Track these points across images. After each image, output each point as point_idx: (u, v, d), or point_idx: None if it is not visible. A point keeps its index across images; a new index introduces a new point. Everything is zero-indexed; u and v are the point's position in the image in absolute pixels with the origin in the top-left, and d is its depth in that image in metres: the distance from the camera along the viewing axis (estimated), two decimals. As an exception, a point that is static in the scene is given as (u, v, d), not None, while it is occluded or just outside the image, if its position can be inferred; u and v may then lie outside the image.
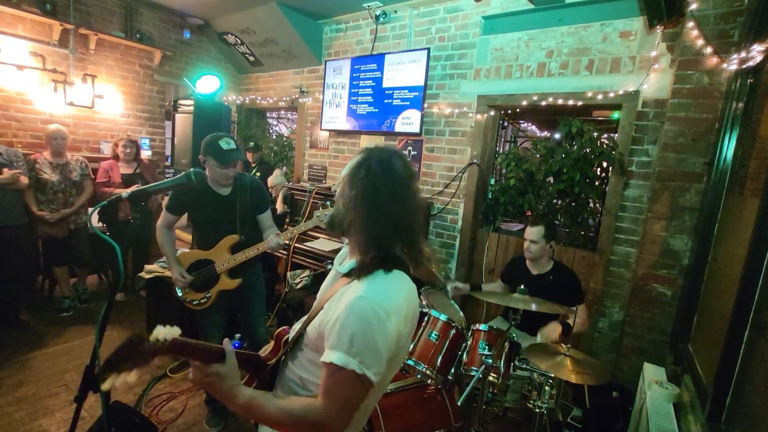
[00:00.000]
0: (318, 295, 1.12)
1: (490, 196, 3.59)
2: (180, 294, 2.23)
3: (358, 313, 0.84)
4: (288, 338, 1.10)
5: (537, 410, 1.81)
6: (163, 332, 0.82)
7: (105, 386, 0.80)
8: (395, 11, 3.83)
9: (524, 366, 1.92)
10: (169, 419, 2.39)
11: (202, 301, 2.20)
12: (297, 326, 1.09)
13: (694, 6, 2.15)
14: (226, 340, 0.97)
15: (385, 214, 0.92)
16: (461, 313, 2.46)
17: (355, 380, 0.83)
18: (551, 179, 3.11)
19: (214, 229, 2.18)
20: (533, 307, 1.87)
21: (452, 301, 2.55)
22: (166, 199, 2.23)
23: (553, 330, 2.21)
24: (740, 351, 1.37)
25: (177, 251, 2.25)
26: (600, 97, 2.78)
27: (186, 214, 2.29)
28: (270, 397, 0.91)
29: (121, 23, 4.42)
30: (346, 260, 1.06)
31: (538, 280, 2.45)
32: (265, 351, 1.17)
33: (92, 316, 3.60)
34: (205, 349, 0.90)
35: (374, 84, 3.87)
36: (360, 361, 0.82)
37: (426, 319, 2.00)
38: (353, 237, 0.97)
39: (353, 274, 0.95)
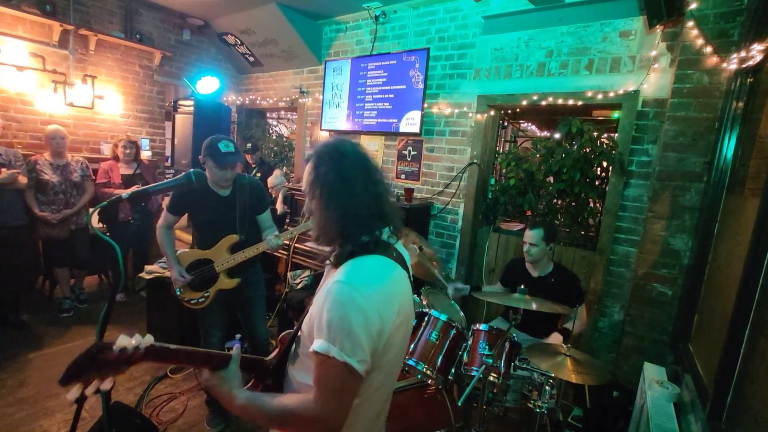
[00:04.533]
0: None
1: (490, 196, 3.59)
2: (178, 293, 2.23)
3: (334, 298, 0.83)
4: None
5: (537, 410, 1.81)
6: (132, 341, 0.80)
7: (70, 396, 0.80)
8: (395, 11, 3.83)
9: (525, 366, 1.91)
10: (169, 419, 2.39)
11: (200, 300, 2.20)
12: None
13: (693, 5, 2.14)
14: (236, 347, 1.01)
15: (357, 198, 0.92)
16: (461, 313, 2.46)
17: (339, 368, 0.81)
18: (551, 179, 3.11)
19: (214, 229, 2.19)
20: (533, 306, 1.87)
21: (452, 301, 2.55)
22: (167, 199, 2.23)
23: (555, 340, 2.23)
24: (741, 350, 1.37)
25: (177, 251, 2.25)
26: (600, 96, 2.78)
27: (186, 214, 2.30)
28: (267, 397, 0.91)
29: (120, 24, 4.43)
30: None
31: (540, 282, 2.45)
32: (271, 356, 1.17)
33: (92, 316, 3.60)
34: (195, 355, 0.93)
35: (375, 84, 3.87)
36: (340, 348, 0.80)
37: (426, 319, 2.00)
38: (336, 236, 0.96)
39: (334, 261, 0.96)
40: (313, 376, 0.85)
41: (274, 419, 0.89)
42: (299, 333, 1.00)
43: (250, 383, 1.06)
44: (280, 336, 1.19)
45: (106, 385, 0.80)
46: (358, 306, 0.82)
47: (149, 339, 0.84)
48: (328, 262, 1.03)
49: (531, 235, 2.41)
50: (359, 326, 0.81)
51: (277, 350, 1.16)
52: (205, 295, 2.20)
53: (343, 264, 0.92)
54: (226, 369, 0.95)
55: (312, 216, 0.98)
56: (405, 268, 1.01)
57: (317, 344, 0.82)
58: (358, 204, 0.93)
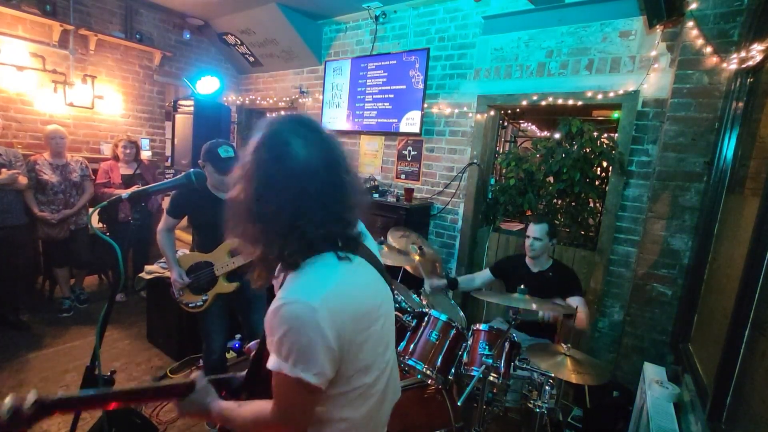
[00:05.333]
0: None
1: (490, 196, 3.59)
2: (178, 296, 2.24)
3: (281, 317, 0.77)
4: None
5: (537, 410, 1.81)
6: (11, 400, 0.70)
7: None
8: (395, 11, 3.83)
9: (525, 366, 1.91)
10: (169, 419, 2.39)
11: (198, 303, 2.20)
12: None
13: (693, 5, 2.15)
14: (199, 373, 0.99)
15: (277, 210, 0.79)
16: (461, 313, 2.46)
17: (293, 384, 0.78)
18: (551, 179, 3.11)
19: (214, 232, 2.18)
20: (533, 306, 1.87)
21: (452, 301, 2.55)
22: (167, 199, 2.23)
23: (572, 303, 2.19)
24: (741, 350, 1.37)
25: (177, 251, 2.25)
26: (600, 96, 2.78)
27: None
28: (234, 405, 0.92)
29: (120, 24, 4.42)
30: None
31: (540, 278, 2.45)
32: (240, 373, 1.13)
33: (92, 316, 3.60)
34: (142, 393, 0.91)
35: (375, 84, 3.87)
36: (292, 364, 0.76)
37: (426, 319, 2.00)
38: (259, 242, 0.86)
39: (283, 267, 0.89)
40: (272, 387, 0.84)
41: (246, 427, 0.90)
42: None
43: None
44: (246, 347, 1.16)
45: None
46: (303, 320, 0.76)
47: (31, 397, 0.73)
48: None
49: (536, 229, 2.42)
50: (309, 340, 0.76)
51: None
52: (203, 298, 2.20)
53: (291, 273, 0.85)
54: (194, 391, 0.94)
55: (233, 205, 0.84)
56: (371, 260, 0.93)
57: (270, 361, 0.80)
58: (273, 216, 0.80)
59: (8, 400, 0.71)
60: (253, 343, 1.12)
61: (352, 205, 0.87)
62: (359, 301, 0.85)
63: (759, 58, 1.75)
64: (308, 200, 0.80)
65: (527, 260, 2.54)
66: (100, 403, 0.89)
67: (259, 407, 0.87)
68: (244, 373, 1.09)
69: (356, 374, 0.86)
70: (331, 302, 0.79)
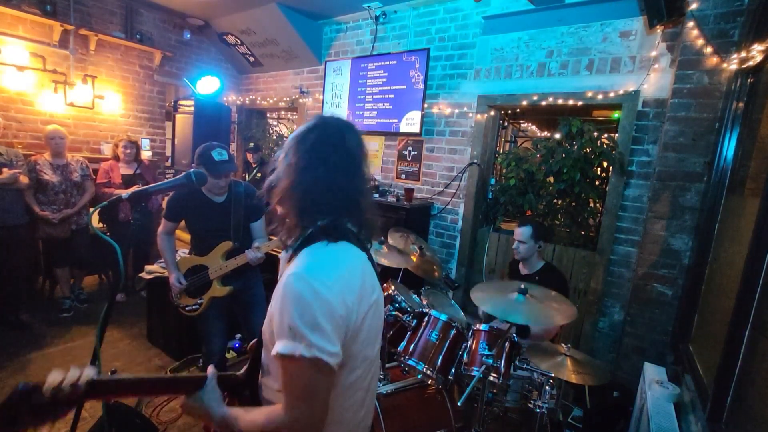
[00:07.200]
0: None
1: (490, 196, 3.59)
2: (176, 300, 2.25)
3: (292, 292, 0.76)
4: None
5: (537, 410, 1.81)
6: (68, 375, 0.68)
7: None
8: (395, 11, 3.83)
9: (525, 366, 1.91)
10: (169, 419, 2.39)
11: (194, 307, 2.21)
12: None
13: (694, 6, 2.15)
14: (210, 367, 0.96)
15: (328, 185, 0.86)
16: (462, 313, 2.46)
17: (308, 366, 0.74)
18: (551, 179, 3.11)
19: (209, 236, 2.19)
20: (536, 316, 1.81)
21: (452, 301, 2.55)
22: (167, 199, 2.23)
23: None
24: (741, 351, 1.37)
25: (177, 252, 2.26)
26: (600, 97, 2.78)
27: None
28: (241, 412, 0.88)
29: (121, 24, 4.43)
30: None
31: (527, 280, 2.45)
32: (243, 369, 1.10)
33: (93, 316, 3.60)
34: (161, 383, 0.88)
35: (375, 84, 3.87)
36: (307, 344, 0.74)
37: (426, 319, 2.00)
38: (291, 206, 0.88)
39: (292, 248, 0.89)
40: (280, 379, 0.80)
41: None
42: (264, 340, 0.93)
43: (226, 399, 1.00)
44: (249, 345, 1.12)
45: None
46: (319, 295, 0.76)
47: (89, 373, 0.71)
48: (282, 253, 0.96)
49: (520, 233, 2.44)
50: (324, 317, 0.75)
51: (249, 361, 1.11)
52: (199, 302, 2.20)
53: (298, 254, 0.87)
54: (203, 389, 0.90)
55: (276, 173, 0.91)
56: (365, 251, 0.96)
57: (280, 346, 0.76)
58: (325, 189, 0.86)
59: (72, 374, 0.70)
60: (255, 340, 1.11)
61: (367, 196, 0.95)
62: (363, 287, 0.87)
63: (759, 58, 1.75)
64: (345, 176, 0.89)
65: (520, 263, 2.55)
66: (140, 389, 0.87)
67: (270, 408, 0.84)
68: (242, 372, 1.07)
69: (350, 362, 0.85)
70: (343, 282, 0.81)
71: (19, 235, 3.21)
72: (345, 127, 0.93)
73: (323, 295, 0.76)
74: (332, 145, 0.89)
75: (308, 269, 0.79)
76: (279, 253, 3.45)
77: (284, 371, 0.78)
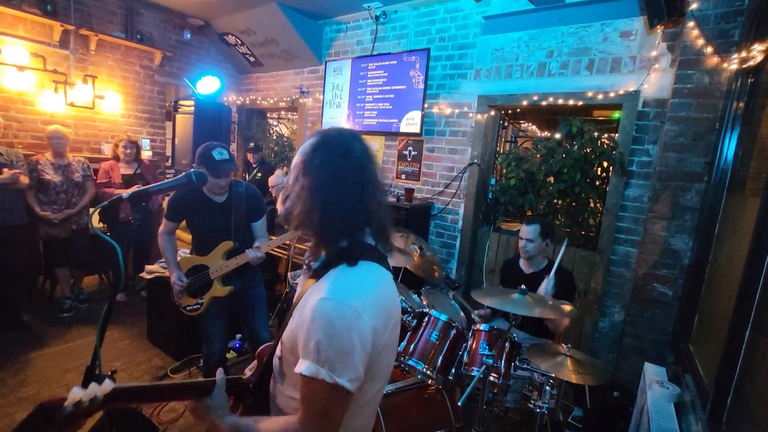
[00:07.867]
0: (294, 298, 1.02)
1: (490, 196, 3.59)
2: (177, 299, 2.26)
3: (322, 317, 0.77)
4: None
5: (538, 410, 1.81)
6: (87, 392, 0.72)
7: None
8: (395, 11, 3.83)
9: (525, 366, 1.91)
10: (170, 419, 2.39)
11: (195, 306, 2.21)
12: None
13: (694, 6, 2.15)
14: (219, 371, 0.97)
15: (344, 201, 0.86)
16: (462, 313, 2.45)
17: (328, 390, 0.76)
18: (552, 179, 3.11)
19: (210, 236, 2.19)
20: (529, 311, 1.83)
21: (452, 301, 2.55)
22: (167, 199, 2.23)
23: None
24: (741, 351, 1.37)
25: (178, 251, 2.26)
26: (600, 97, 2.78)
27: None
28: (252, 422, 0.89)
29: (121, 24, 4.43)
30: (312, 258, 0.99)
31: (534, 279, 2.44)
32: (249, 374, 1.11)
33: (93, 316, 3.60)
34: (171, 389, 0.90)
35: (375, 84, 3.87)
36: (330, 369, 0.75)
37: (426, 319, 2.00)
38: (311, 230, 0.89)
39: (317, 272, 0.90)
40: (299, 395, 0.81)
41: None
42: (281, 349, 0.93)
43: (230, 404, 1.00)
44: (258, 350, 1.13)
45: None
46: (351, 324, 0.76)
47: (107, 386, 0.75)
48: (304, 267, 0.96)
49: (527, 231, 2.41)
50: (351, 345, 0.76)
51: (255, 367, 1.11)
52: (199, 302, 2.20)
53: (324, 275, 0.87)
54: (211, 395, 0.91)
55: (290, 199, 0.91)
56: (388, 268, 0.97)
57: (304, 366, 0.77)
58: (341, 206, 0.86)
59: (91, 389, 0.73)
60: (265, 346, 1.11)
61: (375, 210, 0.92)
62: (389, 308, 0.88)
63: (760, 58, 1.75)
64: (345, 205, 0.86)
65: (521, 262, 2.53)
66: (156, 395, 0.90)
67: (285, 421, 0.84)
68: (248, 376, 1.08)
69: (370, 381, 0.86)
70: (373, 307, 0.81)
71: (20, 235, 3.21)
72: (348, 137, 0.93)
73: (353, 322, 0.77)
74: (340, 160, 0.88)
75: (337, 294, 0.80)
76: (279, 253, 3.45)
77: (305, 388, 0.79)
